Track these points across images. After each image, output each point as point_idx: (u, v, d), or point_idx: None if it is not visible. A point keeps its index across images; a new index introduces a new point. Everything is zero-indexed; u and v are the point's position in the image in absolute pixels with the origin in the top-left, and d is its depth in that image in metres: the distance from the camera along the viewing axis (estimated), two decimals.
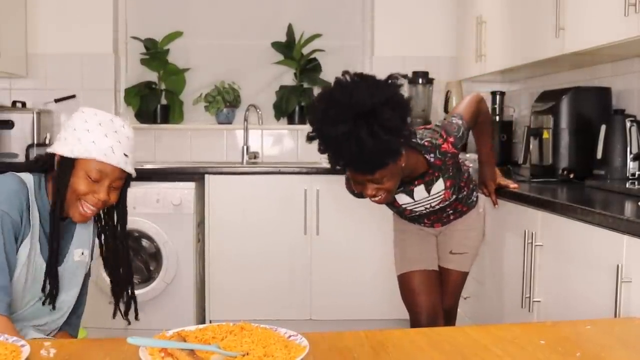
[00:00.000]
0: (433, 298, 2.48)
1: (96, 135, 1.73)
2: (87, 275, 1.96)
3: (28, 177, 1.78)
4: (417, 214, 2.40)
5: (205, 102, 4.32)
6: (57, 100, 4.22)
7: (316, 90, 4.40)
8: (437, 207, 2.37)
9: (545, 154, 3.00)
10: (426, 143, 2.21)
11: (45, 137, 4.01)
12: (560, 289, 2.24)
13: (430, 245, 2.54)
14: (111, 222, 1.88)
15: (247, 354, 1.12)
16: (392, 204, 2.38)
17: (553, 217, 2.25)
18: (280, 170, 3.80)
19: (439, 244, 2.55)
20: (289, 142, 4.41)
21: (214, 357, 1.11)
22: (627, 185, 2.49)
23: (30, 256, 1.74)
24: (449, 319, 2.63)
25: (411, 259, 2.51)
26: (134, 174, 1.80)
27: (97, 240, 1.92)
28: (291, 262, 3.76)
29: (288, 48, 4.34)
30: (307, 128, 4.86)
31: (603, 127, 2.73)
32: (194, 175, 3.72)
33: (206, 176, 3.73)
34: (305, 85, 4.38)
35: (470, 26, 3.81)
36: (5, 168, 1.81)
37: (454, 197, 2.37)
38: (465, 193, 2.46)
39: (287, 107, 4.30)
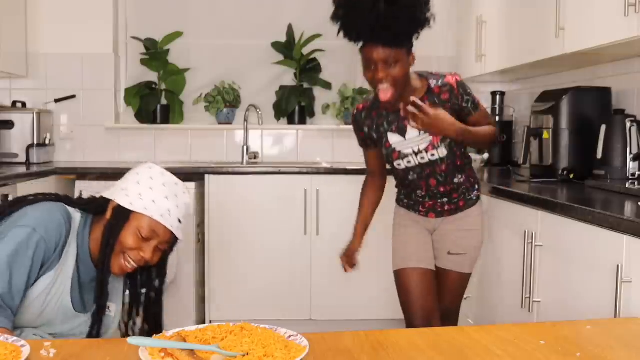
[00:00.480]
0: (429, 300, 2.46)
1: (158, 195, 1.74)
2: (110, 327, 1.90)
3: (76, 214, 1.77)
4: (407, 166, 2.38)
5: (206, 102, 4.32)
6: (57, 100, 4.22)
7: (316, 90, 4.41)
8: (427, 158, 2.34)
9: (545, 154, 2.99)
10: (434, 72, 2.38)
11: (45, 137, 4.01)
12: (560, 289, 2.24)
13: (427, 245, 2.53)
14: (146, 279, 1.86)
15: (247, 354, 1.12)
16: (384, 145, 2.39)
17: (553, 217, 2.25)
18: (280, 170, 3.80)
19: (436, 244, 2.53)
20: (289, 142, 4.41)
21: (214, 357, 1.11)
22: (627, 185, 2.48)
23: (53, 290, 1.71)
24: (449, 320, 2.60)
25: (408, 256, 2.50)
26: (182, 239, 1.80)
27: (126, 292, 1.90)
28: (291, 262, 3.76)
29: (288, 48, 4.34)
30: (307, 128, 4.86)
31: (603, 127, 2.73)
32: (194, 175, 3.72)
33: (206, 176, 3.73)
34: (305, 85, 4.38)
35: (470, 26, 3.81)
36: (59, 199, 1.80)
37: (446, 159, 2.35)
38: (462, 180, 2.43)
39: (287, 107, 4.30)
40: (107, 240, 1.72)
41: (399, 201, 2.59)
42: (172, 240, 1.79)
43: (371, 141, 2.47)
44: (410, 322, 2.48)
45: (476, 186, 2.53)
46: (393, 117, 2.37)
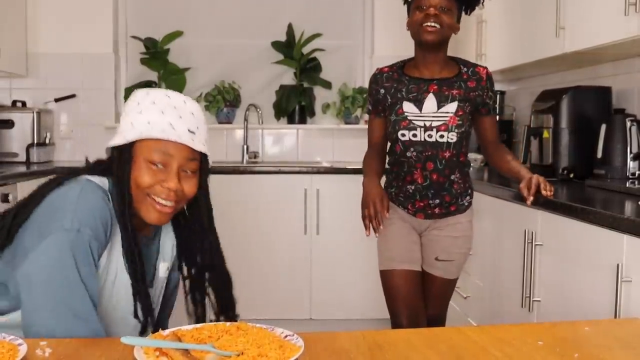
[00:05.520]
0: (415, 301, 2.40)
1: (150, 115, 1.45)
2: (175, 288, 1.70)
3: (104, 181, 1.49)
4: (411, 139, 2.31)
5: (206, 102, 4.32)
6: (57, 100, 4.22)
7: (316, 90, 4.40)
8: (434, 137, 2.28)
9: (546, 154, 2.99)
10: (466, 60, 2.49)
11: (45, 137, 4.01)
12: (560, 289, 2.23)
13: (415, 245, 2.45)
14: (194, 220, 1.59)
15: (242, 353, 1.11)
16: (396, 112, 2.33)
17: (553, 217, 2.24)
18: (280, 169, 3.79)
19: (424, 248, 2.46)
20: (289, 141, 4.40)
21: (209, 356, 1.11)
22: (627, 185, 2.48)
23: (110, 272, 1.48)
24: (435, 326, 2.53)
25: (393, 256, 2.42)
26: (207, 152, 1.51)
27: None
28: (291, 261, 3.76)
29: (288, 48, 4.33)
30: (307, 127, 4.87)
31: (603, 127, 2.72)
32: None
33: None
34: (305, 84, 4.37)
35: (471, 25, 3.80)
36: (71, 173, 1.52)
37: (452, 148, 2.30)
38: (458, 179, 2.37)
39: (287, 106, 4.30)
40: (120, 191, 1.46)
41: (388, 195, 2.43)
42: (195, 156, 1.50)
43: (383, 107, 2.40)
44: (396, 323, 2.43)
45: (469, 191, 2.46)
46: (414, 86, 2.34)
